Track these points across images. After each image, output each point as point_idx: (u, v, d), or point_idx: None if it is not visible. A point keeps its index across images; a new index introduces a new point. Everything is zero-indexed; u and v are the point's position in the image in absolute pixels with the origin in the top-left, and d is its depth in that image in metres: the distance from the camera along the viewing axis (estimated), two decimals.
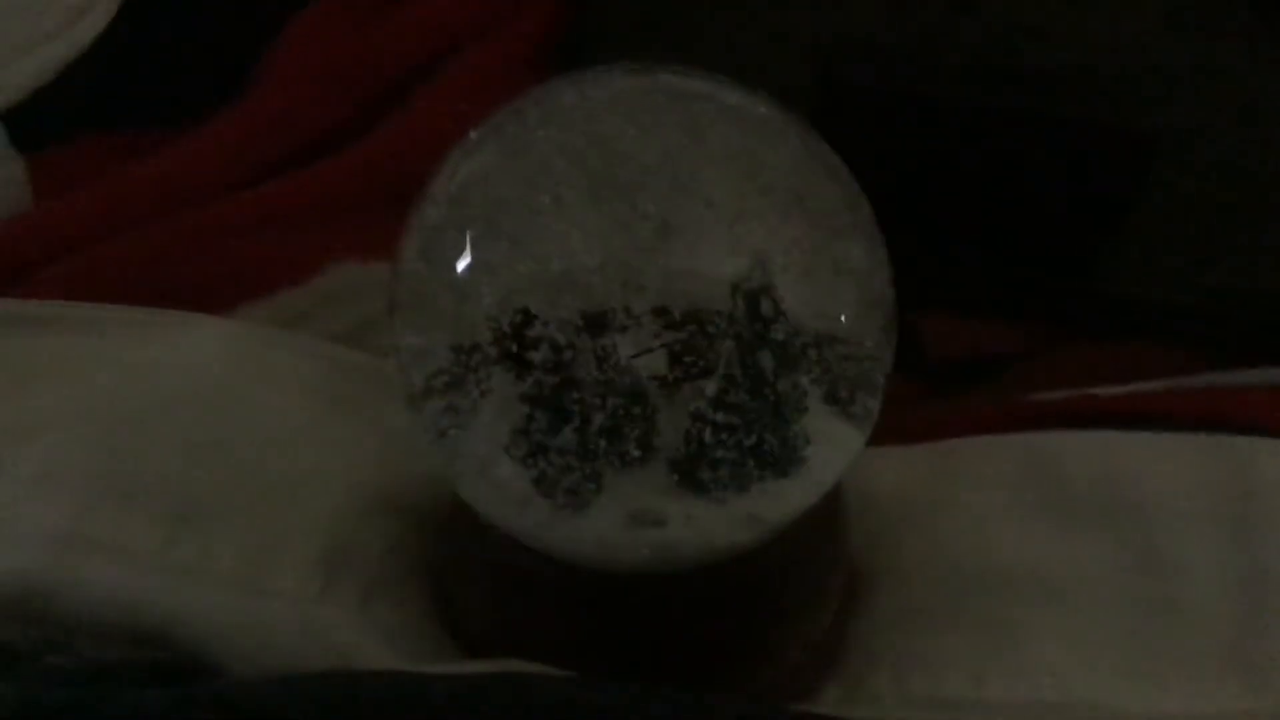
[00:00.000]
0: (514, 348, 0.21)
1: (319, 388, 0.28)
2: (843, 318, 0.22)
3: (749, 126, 0.22)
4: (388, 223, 0.24)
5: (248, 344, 0.29)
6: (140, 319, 0.30)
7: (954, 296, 0.36)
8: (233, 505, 0.25)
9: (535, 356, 0.21)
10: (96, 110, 0.39)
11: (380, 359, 0.30)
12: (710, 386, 0.21)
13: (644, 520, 0.21)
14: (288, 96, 0.38)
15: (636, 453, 0.21)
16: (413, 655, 0.24)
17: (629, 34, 0.39)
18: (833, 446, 0.22)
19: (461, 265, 0.21)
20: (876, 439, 0.24)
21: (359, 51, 0.39)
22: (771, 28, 0.37)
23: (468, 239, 0.21)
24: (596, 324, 0.21)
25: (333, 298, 0.34)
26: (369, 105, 0.38)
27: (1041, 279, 0.36)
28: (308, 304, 0.34)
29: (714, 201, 0.21)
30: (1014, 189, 0.36)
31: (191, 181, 0.36)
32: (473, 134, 0.22)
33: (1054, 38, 0.35)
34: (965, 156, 0.35)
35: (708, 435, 0.21)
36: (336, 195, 0.36)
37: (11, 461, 0.25)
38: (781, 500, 0.22)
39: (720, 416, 0.21)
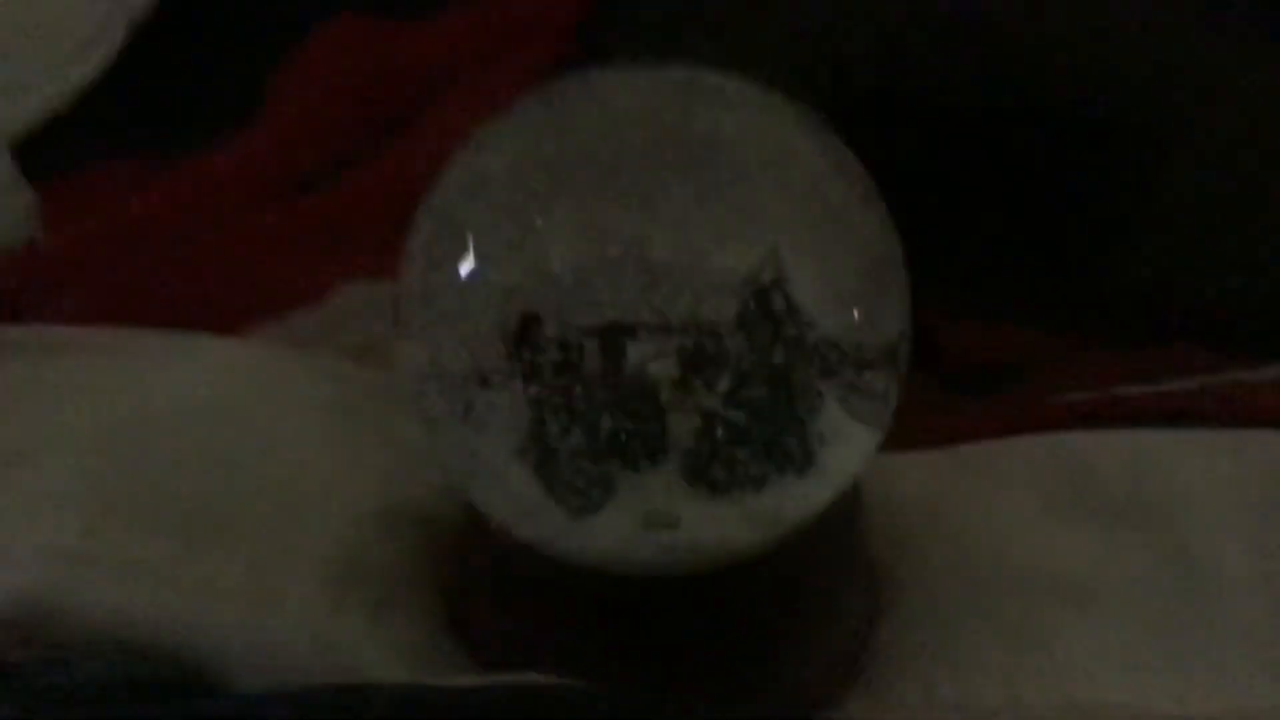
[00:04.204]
0: (522, 352, 0.21)
1: (329, 404, 0.28)
2: (855, 313, 0.21)
3: (762, 120, 0.22)
4: (398, 242, 0.23)
5: (256, 362, 0.29)
6: (151, 342, 0.30)
7: (971, 302, 0.36)
8: (243, 522, 0.25)
9: (543, 361, 0.20)
10: (107, 139, 0.39)
11: (390, 374, 0.30)
12: (722, 384, 0.20)
13: (658, 522, 0.21)
14: (299, 118, 0.38)
15: (648, 453, 0.21)
16: (425, 670, 0.24)
17: (642, 53, 0.39)
18: (848, 443, 0.22)
19: (465, 270, 0.21)
20: (898, 445, 0.23)
21: (370, 73, 0.39)
22: (785, 33, 0.37)
23: (470, 243, 0.21)
24: (608, 329, 0.20)
25: (344, 317, 0.34)
26: (380, 126, 0.38)
27: (1059, 282, 0.36)
28: (320, 324, 0.34)
29: (726, 196, 0.21)
30: (1029, 191, 0.35)
31: (203, 205, 0.36)
32: (477, 135, 0.22)
33: (1066, 36, 0.35)
34: (980, 159, 0.35)
35: (720, 433, 0.20)
36: (348, 216, 0.36)
37: (19, 480, 0.25)
38: (797, 499, 0.22)
39: (733, 414, 0.20)
